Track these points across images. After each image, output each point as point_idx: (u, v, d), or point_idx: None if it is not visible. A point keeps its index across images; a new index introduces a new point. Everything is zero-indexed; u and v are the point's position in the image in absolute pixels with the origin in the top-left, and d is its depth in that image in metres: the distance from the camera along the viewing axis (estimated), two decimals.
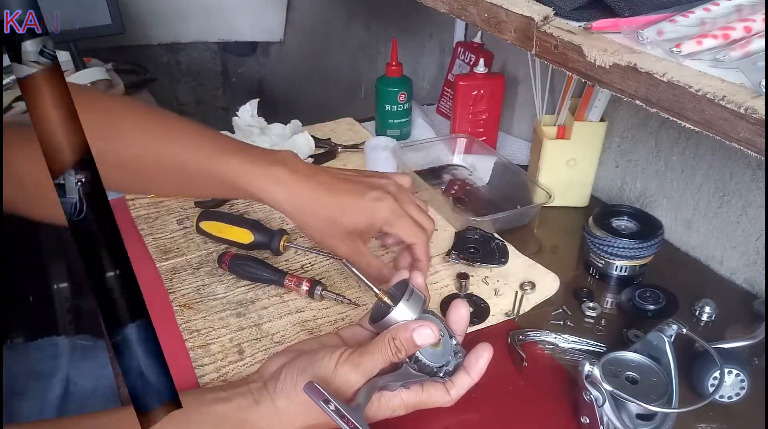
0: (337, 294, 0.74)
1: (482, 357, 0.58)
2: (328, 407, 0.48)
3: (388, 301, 0.58)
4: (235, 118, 1.00)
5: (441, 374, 0.57)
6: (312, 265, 0.81)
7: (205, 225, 0.83)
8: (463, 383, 0.58)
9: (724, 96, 0.38)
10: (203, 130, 0.64)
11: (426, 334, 0.54)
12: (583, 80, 0.48)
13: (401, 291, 0.59)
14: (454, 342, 0.60)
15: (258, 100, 1.02)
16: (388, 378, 0.54)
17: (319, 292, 0.74)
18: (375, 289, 0.59)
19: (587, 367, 0.56)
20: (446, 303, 0.75)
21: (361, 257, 0.65)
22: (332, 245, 0.65)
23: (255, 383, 0.55)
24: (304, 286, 0.74)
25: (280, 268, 0.79)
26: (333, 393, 0.49)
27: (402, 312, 0.57)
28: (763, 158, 0.37)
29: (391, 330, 0.55)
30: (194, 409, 0.53)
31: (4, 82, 1.02)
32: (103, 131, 0.56)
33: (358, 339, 0.62)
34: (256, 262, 0.77)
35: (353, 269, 0.61)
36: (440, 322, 0.60)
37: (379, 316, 0.58)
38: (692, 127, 0.40)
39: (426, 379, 0.57)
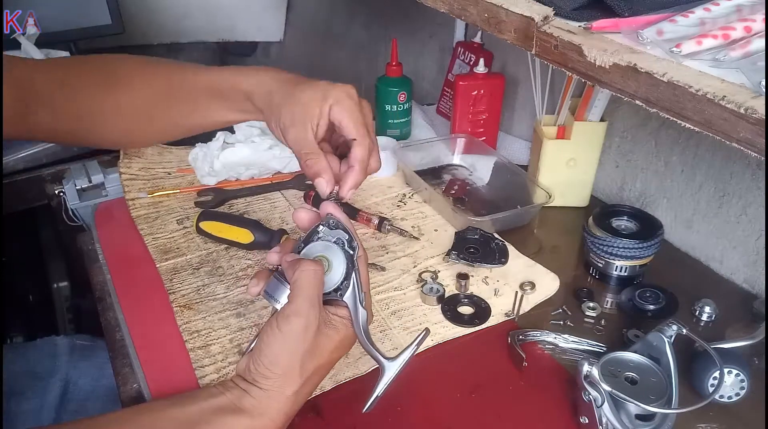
0: (400, 229, 0.87)
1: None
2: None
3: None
4: None
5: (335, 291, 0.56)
6: None
7: (205, 225, 0.83)
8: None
9: (724, 96, 0.37)
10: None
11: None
12: (583, 80, 0.48)
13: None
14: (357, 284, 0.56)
15: None
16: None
17: (387, 227, 0.87)
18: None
19: (586, 368, 0.56)
20: (447, 303, 0.75)
21: (305, 143, 0.62)
22: (284, 128, 0.63)
23: (236, 379, 0.55)
24: (375, 220, 0.88)
25: None
26: None
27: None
28: (763, 158, 0.37)
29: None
30: (193, 405, 0.53)
31: None
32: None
33: None
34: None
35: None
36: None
37: None
38: (692, 127, 0.40)
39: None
